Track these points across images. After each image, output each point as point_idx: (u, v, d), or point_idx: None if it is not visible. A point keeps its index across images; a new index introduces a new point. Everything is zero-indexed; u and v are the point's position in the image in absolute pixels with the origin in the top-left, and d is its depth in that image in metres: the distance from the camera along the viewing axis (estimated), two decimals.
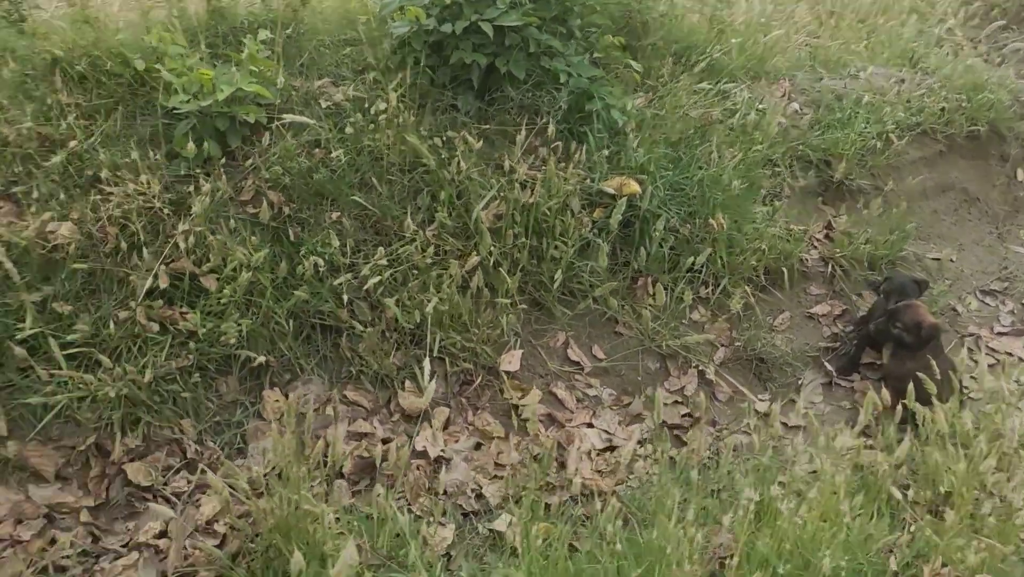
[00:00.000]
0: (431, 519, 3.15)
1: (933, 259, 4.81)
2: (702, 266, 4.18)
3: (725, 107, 4.69)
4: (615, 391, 3.99)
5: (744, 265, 4.26)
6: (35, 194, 3.33)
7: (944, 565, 2.48)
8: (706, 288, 4.28)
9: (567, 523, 3.04)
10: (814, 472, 3.29)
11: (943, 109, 5.08)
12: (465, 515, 3.35)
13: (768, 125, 4.76)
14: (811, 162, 4.81)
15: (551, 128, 3.93)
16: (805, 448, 3.45)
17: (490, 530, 3.20)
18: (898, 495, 2.78)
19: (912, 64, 5.45)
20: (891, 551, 2.60)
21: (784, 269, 4.40)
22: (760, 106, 4.98)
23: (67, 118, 3.49)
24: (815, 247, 4.62)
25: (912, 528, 2.74)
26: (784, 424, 3.97)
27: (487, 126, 4.00)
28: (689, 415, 3.93)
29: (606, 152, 4.06)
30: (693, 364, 4.12)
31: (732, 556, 2.75)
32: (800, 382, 4.15)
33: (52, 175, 3.39)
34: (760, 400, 4.05)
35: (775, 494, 3.00)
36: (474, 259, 3.64)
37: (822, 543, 2.60)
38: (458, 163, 3.79)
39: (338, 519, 2.98)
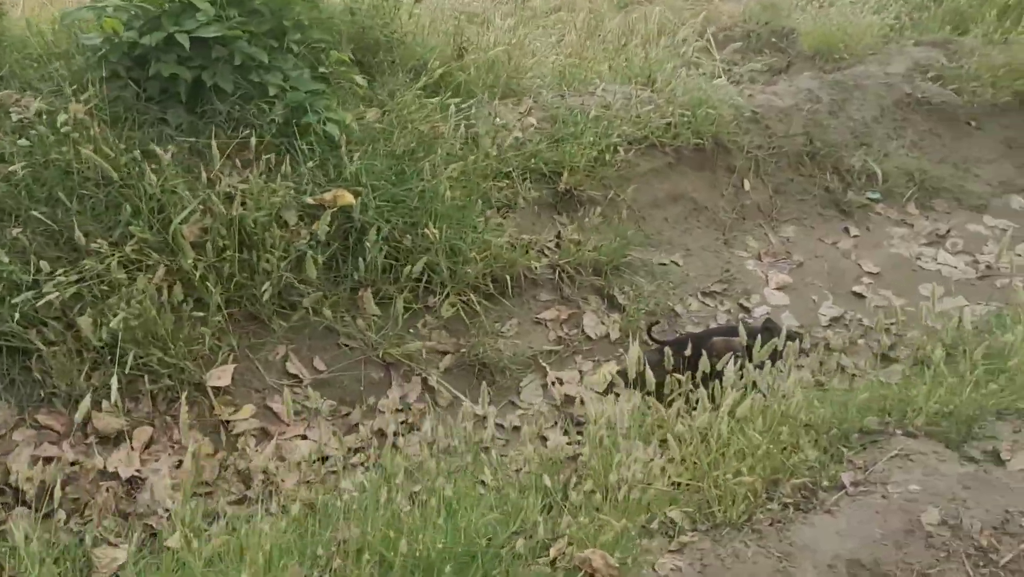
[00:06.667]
0: (107, 541, 3.04)
1: (660, 264, 5.06)
2: (425, 275, 4.25)
3: (457, 122, 4.80)
4: (335, 402, 3.98)
5: (470, 274, 4.35)
6: None
7: (570, 544, 2.60)
8: (434, 297, 4.35)
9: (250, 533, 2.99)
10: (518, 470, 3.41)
11: (669, 124, 5.38)
12: (153, 534, 3.25)
13: (503, 139, 4.91)
14: (544, 174, 4.98)
15: (253, 141, 3.91)
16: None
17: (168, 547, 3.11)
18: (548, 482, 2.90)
19: (649, 82, 5.75)
20: (529, 536, 2.70)
21: (512, 277, 4.52)
22: (498, 121, 5.14)
23: None
24: (545, 255, 4.78)
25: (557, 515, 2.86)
26: (500, 425, 4.08)
27: (190, 140, 3.94)
28: (405, 422, 3.96)
29: (313, 165, 4.06)
30: (416, 372, 4.17)
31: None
32: (521, 385, 4.27)
33: None
34: (479, 404, 4.13)
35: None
36: (161, 272, 3.56)
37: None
38: (159, 176, 3.71)
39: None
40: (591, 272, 4.79)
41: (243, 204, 3.87)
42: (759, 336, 3.84)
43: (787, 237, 5.58)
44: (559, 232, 4.89)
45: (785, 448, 3.11)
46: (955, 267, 5.53)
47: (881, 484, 3.05)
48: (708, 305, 4.96)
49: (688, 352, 3.62)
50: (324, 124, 4.19)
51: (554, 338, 4.53)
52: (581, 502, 2.98)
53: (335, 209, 4.04)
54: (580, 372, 4.38)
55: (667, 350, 3.58)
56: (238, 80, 4.03)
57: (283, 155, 4.07)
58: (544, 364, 4.36)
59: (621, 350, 4.57)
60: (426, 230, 4.14)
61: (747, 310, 4.96)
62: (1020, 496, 3.01)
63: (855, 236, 5.68)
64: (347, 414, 3.98)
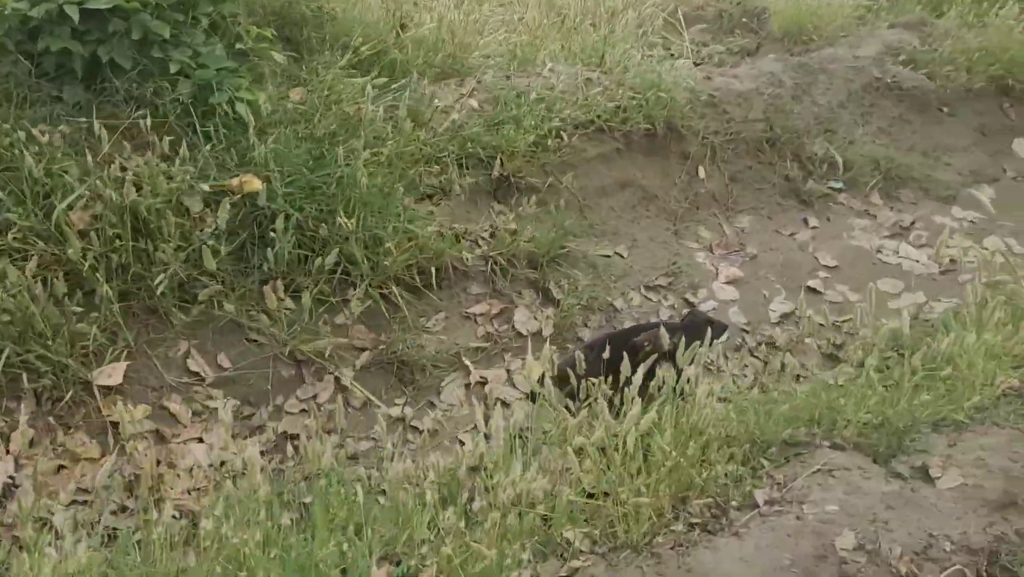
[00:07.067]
0: None
1: (603, 256, 4.81)
2: (342, 267, 4.01)
3: (389, 103, 4.53)
4: (239, 402, 3.75)
5: (392, 265, 4.10)
6: None
7: (439, 574, 2.37)
8: (354, 290, 4.10)
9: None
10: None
11: (618, 107, 5.10)
12: (21, 547, 3.02)
13: (439, 122, 4.65)
14: (481, 160, 4.72)
15: (148, 121, 3.65)
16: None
17: None
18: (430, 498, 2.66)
19: (600, 63, 5.47)
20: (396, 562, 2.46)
21: (439, 269, 4.27)
22: (437, 103, 4.88)
23: None
24: (479, 246, 4.52)
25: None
26: (415, 428, 3.85)
27: (82, 120, 3.68)
28: (313, 426, 3.72)
29: (219, 148, 3.81)
30: (330, 370, 3.93)
31: None
32: (442, 384, 4.03)
33: None
34: (396, 405, 3.91)
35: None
36: (33, 263, 3.31)
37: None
38: (42, 159, 3.46)
39: None
40: (526, 264, 4.54)
41: (138, 189, 3.62)
42: (685, 333, 3.60)
43: (742, 228, 5.32)
44: (494, 221, 4.63)
45: (695, 463, 2.87)
46: (917, 261, 5.28)
47: (798, 503, 2.82)
48: (651, 300, 4.71)
49: (607, 354, 3.37)
50: (233, 104, 3.92)
51: (483, 334, 4.29)
52: (475, 520, 2.75)
53: (241, 196, 3.78)
54: (508, 371, 4.14)
55: (578, 354, 3.32)
56: (138, 56, 3.76)
57: (186, 138, 3.81)
58: (468, 362, 4.11)
59: (555, 348, 4.32)
60: (339, 219, 3.88)
61: (692, 305, 4.71)
62: (946, 518, 2.77)
63: (814, 227, 5.42)
64: (251, 415, 3.75)
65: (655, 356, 3.44)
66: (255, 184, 3.79)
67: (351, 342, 4.03)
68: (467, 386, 4.06)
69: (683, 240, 5.16)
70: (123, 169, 3.67)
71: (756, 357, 4.42)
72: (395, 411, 3.86)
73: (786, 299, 4.86)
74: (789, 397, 3.35)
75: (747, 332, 4.57)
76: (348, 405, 3.87)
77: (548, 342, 3.60)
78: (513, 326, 4.34)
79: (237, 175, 3.87)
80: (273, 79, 4.40)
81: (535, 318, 4.38)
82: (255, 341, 3.87)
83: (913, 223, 5.58)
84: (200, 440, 3.57)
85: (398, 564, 2.39)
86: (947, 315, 4.05)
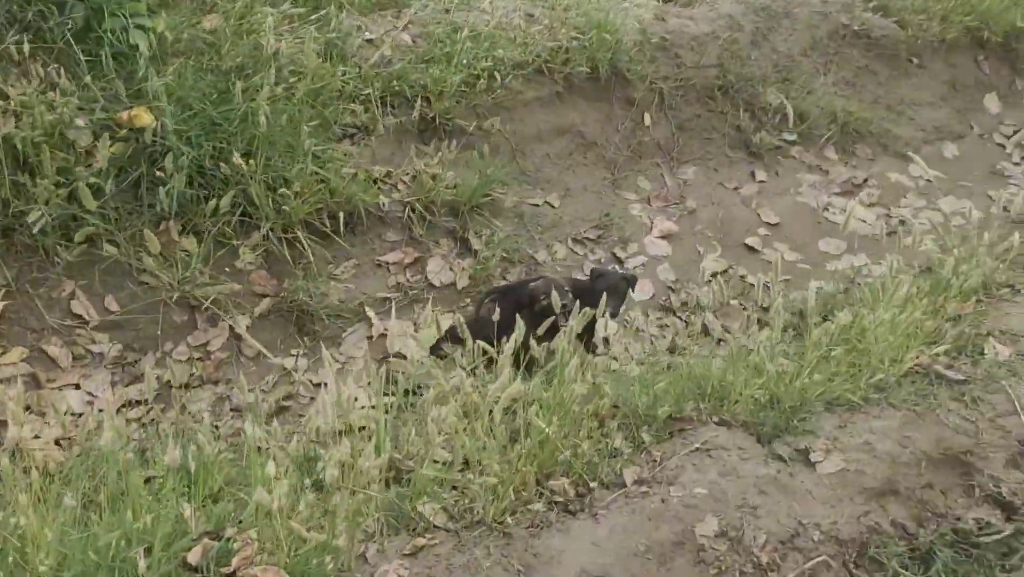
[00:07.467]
0: None
1: (532, 205, 4.62)
2: (242, 210, 3.83)
3: (314, 36, 4.28)
4: (126, 347, 3.61)
5: (297, 209, 3.92)
6: None
7: (262, 551, 2.25)
8: (258, 233, 3.93)
9: None
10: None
11: (560, 47, 4.84)
12: None
13: (366, 57, 4.42)
14: (408, 99, 4.49)
15: (26, 47, 3.43)
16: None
17: None
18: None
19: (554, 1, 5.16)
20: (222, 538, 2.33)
21: (352, 214, 4.09)
22: (367, 36, 4.63)
23: None
24: (398, 190, 4.33)
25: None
26: (310, 381, 3.72)
27: None
28: (200, 376, 3.59)
29: (110, 78, 3.59)
30: (225, 318, 3.78)
31: None
32: (343, 336, 3.88)
33: None
34: (291, 355, 3.77)
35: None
36: None
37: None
38: None
39: None
40: (447, 212, 4.36)
41: (18, 120, 3.42)
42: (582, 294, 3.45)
43: (685, 180, 5.11)
44: (417, 165, 4.42)
45: (564, 437, 2.73)
46: (864, 220, 5.09)
47: (667, 484, 2.69)
48: (577, 253, 4.54)
49: (494, 315, 3.22)
50: (128, 31, 3.69)
51: (393, 284, 4.13)
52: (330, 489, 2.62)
53: (131, 131, 3.59)
54: (415, 324, 3.99)
55: (458, 317, 3.17)
56: None
57: (78, 68, 3.59)
58: (372, 313, 3.96)
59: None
60: (237, 158, 3.68)
61: (620, 261, 4.54)
62: (820, 506, 2.65)
63: (761, 181, 5.21)
64: (136, 361, 3.61)
65: (552, 317, 3.29)
66: (144, 118, 3.59)
67: (251, 288, 3.88)
68: (369, 338, 3.91)
69: (621, 191, 4.95)
70: (3, 97, 3.46)
71: (678, 317, 4.27)
72: (289, 362, 3.73)
73: (720, 257, 4.69)
74: (679, 369, 3.19)
75: (673, 291, 4.41)
76: (241, 354, 3.74)
77: (429, 305, 3.43)
78: (426, 276, 4.17)
79: (131, 107, 3.66)
80: (185, 5, 4.15)
81: (450, 269, 4.22)
82: (146, 284, 3.71)
83: (866, 180, 5.37)
84: (77, 386, 3.44)
85: (221, 540, 2.27)
86: (862, 287, 3.85)
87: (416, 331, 3.93)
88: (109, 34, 3.63)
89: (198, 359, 3.66)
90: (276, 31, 4.16)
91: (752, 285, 4.48)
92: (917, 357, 3.25)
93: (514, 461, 2.62)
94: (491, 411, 2.69)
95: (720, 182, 5.15)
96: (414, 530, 2.58)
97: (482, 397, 2.64)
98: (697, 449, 2.82)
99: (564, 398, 2.70)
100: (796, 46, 5.68)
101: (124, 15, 3.69)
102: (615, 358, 3.93)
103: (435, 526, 2.59)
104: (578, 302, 3.27)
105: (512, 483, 2.64)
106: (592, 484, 2.70)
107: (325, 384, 3.60)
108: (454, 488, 2.71)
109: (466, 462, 2.75)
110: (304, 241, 3.96)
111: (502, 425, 2.70)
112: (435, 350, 3.68)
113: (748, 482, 2.69)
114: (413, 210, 4.27)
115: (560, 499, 2.65)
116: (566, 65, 4.89)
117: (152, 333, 3.68)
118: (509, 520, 2.55)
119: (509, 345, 2.74)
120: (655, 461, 2.80)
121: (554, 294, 3.13)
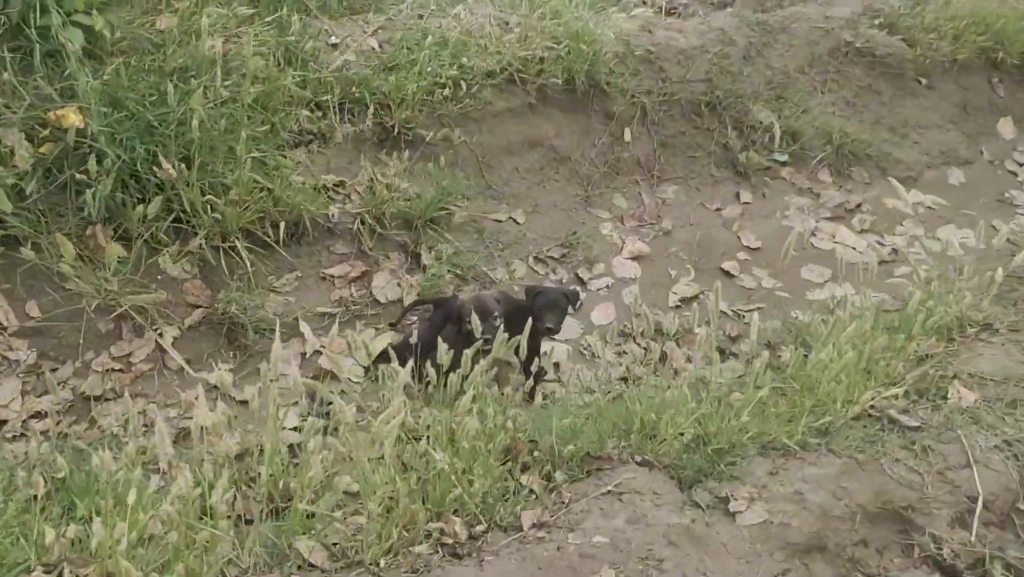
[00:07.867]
0: None
1: (495, 220, 4.41)
2: (175, 216, 3.68)
3: (266, 39, 4.13)
4: (43, 355, 3.46)
5: (235, 217, 3.75)
6: None
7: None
8: (195, 240, 3.77)
9: None
10: None
11: (534, 57, 4.64)
12: None
13: (328, 62, 4.27)
14: (367, 106, 4.31)
15: None
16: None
17: None
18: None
19: (518, 5, 4.94)
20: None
21: (296, 224, 3.92)
22: (332, 40, 4.48)
23: None
24: (351, 200, 4.15)
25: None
26: (234, 398, 3.54)
27: None
28: (113, 389, 3.43)
29: (38, 76, 3.47)
30: (153, 327, 3.62)
31: None
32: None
33: None
34: (218, 370, 3.59)
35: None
36: None
37: None
38: None
39: None
40: (400, 224, 4.16)
41: None
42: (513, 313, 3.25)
43: (664, 199, 4.87)
44: (372, 175, 4.24)
45: (461, 473, 2.51)
46: (854, 248, 4.80)
47: (568, 529, 2.45)
48: (538, 272, 4.32)
49: (413, 338, 3.02)
50: (65, 28, 3.56)
51: (336, 299, 3.94)
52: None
53: (57, 132, 3.45)
54: (348, 343, 3.79)
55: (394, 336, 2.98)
56: None
57: (12, 65, 3.48)
58: (306, 329, 3.78)
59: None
60: (165, 163, 3.52)
61: (583, 282, 4.31)
62: (734, 561, 2.39)
63: (745, 203, 4.95)
64: (55, 370, 3.46)
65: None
66: (70, 119, 3.45)
67: (184, 298, 3.72)
68: (303, 355, 3.72)
69: (593, 209, 4.73)
70: None
71: (638, 345, 4.02)
72: (214, 377, 3.55)
73: (693, 281, 4.43)
74: (620, 401, 2.96)
75: (636, 316, 4.16)
76: (165, 367, 3.57)
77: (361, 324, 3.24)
78: (371, 292, 3.98)
79: (63, 107, 3.53)
80: (138, 4, 4.03)
81: (398, 284, 4.02)
82: (69, 291, 3.56)
83: (860, 205, 5.08)
84: None
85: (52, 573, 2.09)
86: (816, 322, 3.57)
87: (351, 349, 3.74)
88: (35, 31, 3.50)
89: (118, 370, 3.50)
90: (229, 33, 4.02)
91: (723, 313, 4.21)
92: (873, 399, 2.98)
93: (399, 496, 2.40)
94: (382, 442, 2.48)
95: (702, 202, 4.90)
96: (288, 568, 2.38)
97: (368, 427, 2.42)
98: (609, 492, 2.58)
99: (455, 431, 2.47)
100: (793, 62, 5.42)
101: (59, 11, 3.57)
102: (562, 384, 3.72)
103: (310, 565, 2.38)
104: (501, 326, 3.06)
105: (400, 521, 2.42)
106: (484, 526, 2.46)
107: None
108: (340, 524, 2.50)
109: (356, 495, 2.54)
110: (242, 251, 3.79)
111: (393, 456, 2.48)
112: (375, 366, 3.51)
113: (657, 531, 2.44)
114: (363, 222, 4.08)
115: (449, 541, 2.43)
116: (540, 76, 4.69)
117: (74, 341, 3.53)
118: (384, 563, 2.33)
119: (404, 371, 2.53)
120: (563, 503, 2.57)
121: (473, 318, 2.92)
